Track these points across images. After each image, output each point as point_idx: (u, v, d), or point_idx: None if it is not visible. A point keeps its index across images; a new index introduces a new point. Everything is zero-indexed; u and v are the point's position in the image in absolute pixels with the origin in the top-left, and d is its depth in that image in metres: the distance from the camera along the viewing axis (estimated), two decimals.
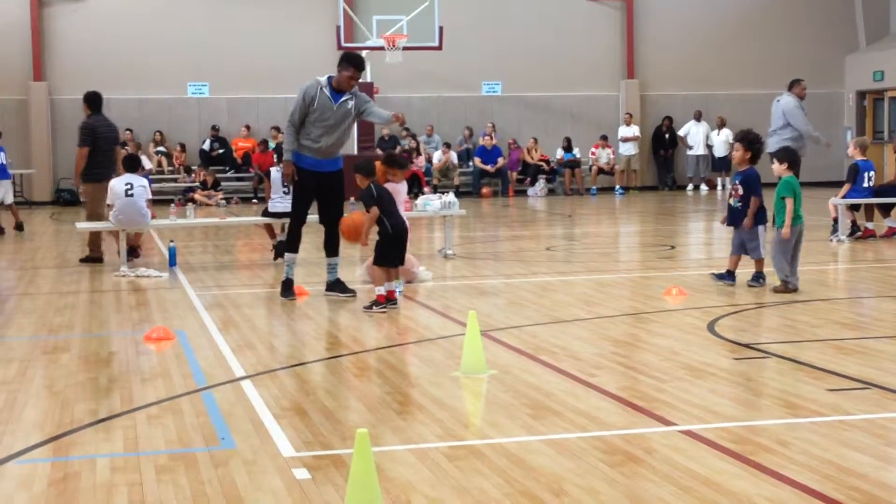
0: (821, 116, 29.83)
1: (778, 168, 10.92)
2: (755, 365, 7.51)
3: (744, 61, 30.06)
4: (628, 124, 29.20)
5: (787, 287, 10.54)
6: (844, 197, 15.57)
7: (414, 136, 27.98)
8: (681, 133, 29.30)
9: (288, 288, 10.75)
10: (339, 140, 10.62)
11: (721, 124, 28.77)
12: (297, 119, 10.47)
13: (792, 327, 9.12)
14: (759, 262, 10.88)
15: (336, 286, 10.87)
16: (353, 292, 10.81)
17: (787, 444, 5.46)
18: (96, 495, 4.95)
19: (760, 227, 10.85)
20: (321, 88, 10.46)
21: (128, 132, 27.13)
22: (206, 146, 27.59)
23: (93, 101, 14.43)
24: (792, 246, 10.63)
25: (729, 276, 10.94)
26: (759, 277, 10.84)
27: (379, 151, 27.00)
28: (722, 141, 28.51)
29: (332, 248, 10.87)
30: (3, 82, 26.94)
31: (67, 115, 27.23)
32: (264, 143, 27.09)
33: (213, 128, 27.61)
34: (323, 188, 10.66)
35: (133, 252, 13.46)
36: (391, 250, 10.23)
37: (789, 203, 10.63)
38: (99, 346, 8.60)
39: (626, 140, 29.07)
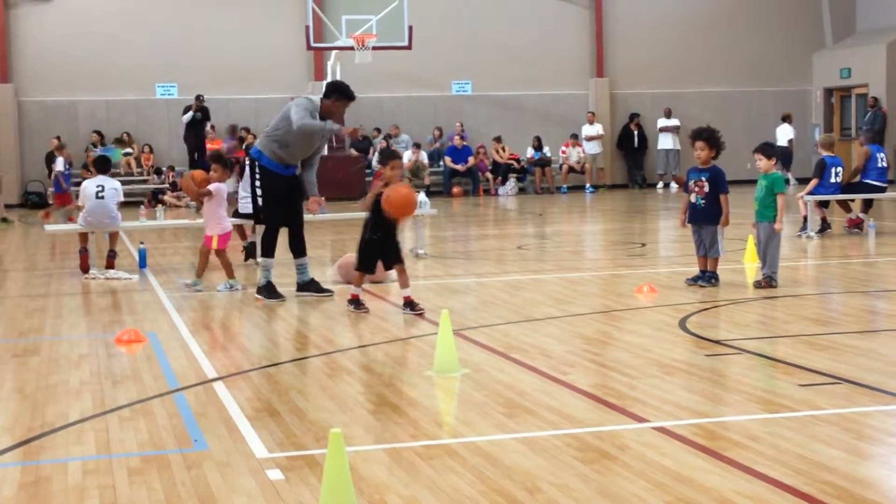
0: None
1: (766, 164, 10.85)
2: (727, 361, 7.54)
3: (712, 59, 30.23)
4: (592, 123, 29.28)
5: (772, 283, 10.57)
6: (812, 193, 15.67)
7: (387, 137, 27.94)
8: (660, 125, 29.39)
9: (273, 290, 10.67)
10: (305, 155, 10.76)
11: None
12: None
13: (763, 323, 9.18)
14: (715, 261, 10.87)
15: (311, 286, 10.85)
16: (329, 292, 10.80)
17: (759, 440, 5.49)
18: (68, 498, 4.92)
19: (719, 227, 10.79)
20: (317, 114, 10.47)
21: (95, 134, 27.00)
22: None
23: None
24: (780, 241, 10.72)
25: (703, 276, 10.88)
26: (712, 277, 10.82)
27: (353, 152, 26.98)
28: None
29: (299, 249, 10.86)
30: None
31: (34, 117, 27.06)
32: (239, 140, 26.89)
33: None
34: (287, 191, 10.70)
35: (113, 255, 13.28)
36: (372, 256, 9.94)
37: (782, 199, 10.65)
38: (69, 349, 8.53)
39: (590, 139, 29.14)
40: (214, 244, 11.45)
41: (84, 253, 13.09)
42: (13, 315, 10.37)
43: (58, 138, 26.15)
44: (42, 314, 10.35)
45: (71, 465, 5.40)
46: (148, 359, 8.07)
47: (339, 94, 10.54)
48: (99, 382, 7.30)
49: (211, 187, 11.52)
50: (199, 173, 11.95)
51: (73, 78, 27.07)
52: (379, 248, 9.78)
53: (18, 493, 5.01)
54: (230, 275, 11.46)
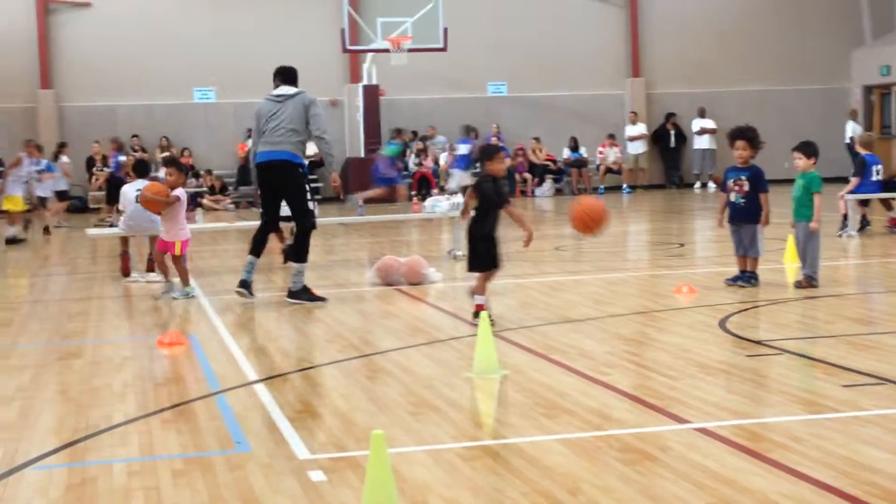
0: (828, 112, 29.86)
1: (805, 163, 10.75)
2: (767, 361, 7.50)
3: (749, 58, 30.05)
4: (634, 123, 29.21)
5: (812, 283, 10.49)
6: (854, 192, 15.54)
7: (423, 139, 27.98)
8: (695, 128, 29.27)
9: (312, 293, 10.66)
10: None
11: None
12: None
13: (804, 323, 9.12)
14: (755, 261, 10.79)
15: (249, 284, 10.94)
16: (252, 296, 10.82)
17: (803, 441, 5.45)
18: (114, 499, 4.96)
19: (759, 226, 10.71)
20: None
21: (134, 138, 27.23)
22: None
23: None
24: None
25: (742, 276, 10.79)
26: (751, 277, 10.74)
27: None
28: None
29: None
30: (11, 91, 27.02)
31: (75, 122, 27.33)
32: None
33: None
34: None
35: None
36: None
37: (819, 199, 10.54)
38: (112, 352, 8.62)
39: (633, 139, 29.08)
40: (177, 250, 11.37)
41: (125, 256, 13.21)
42: (57, 318, 10.48)
43: (97, 142, 26.42)
44: (85, 317, 10.45)
45: (116, 467, 5.45)
46: (189, 361, 8.13)
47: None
48: (142, 385, 7.36)
49: (176, 192, 11.46)
50: (155, 186, 11.59)
51: (113, 83, 27.31)
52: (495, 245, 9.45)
53: (65, 495, 5.06)
54: (183, 281, 11.41)
